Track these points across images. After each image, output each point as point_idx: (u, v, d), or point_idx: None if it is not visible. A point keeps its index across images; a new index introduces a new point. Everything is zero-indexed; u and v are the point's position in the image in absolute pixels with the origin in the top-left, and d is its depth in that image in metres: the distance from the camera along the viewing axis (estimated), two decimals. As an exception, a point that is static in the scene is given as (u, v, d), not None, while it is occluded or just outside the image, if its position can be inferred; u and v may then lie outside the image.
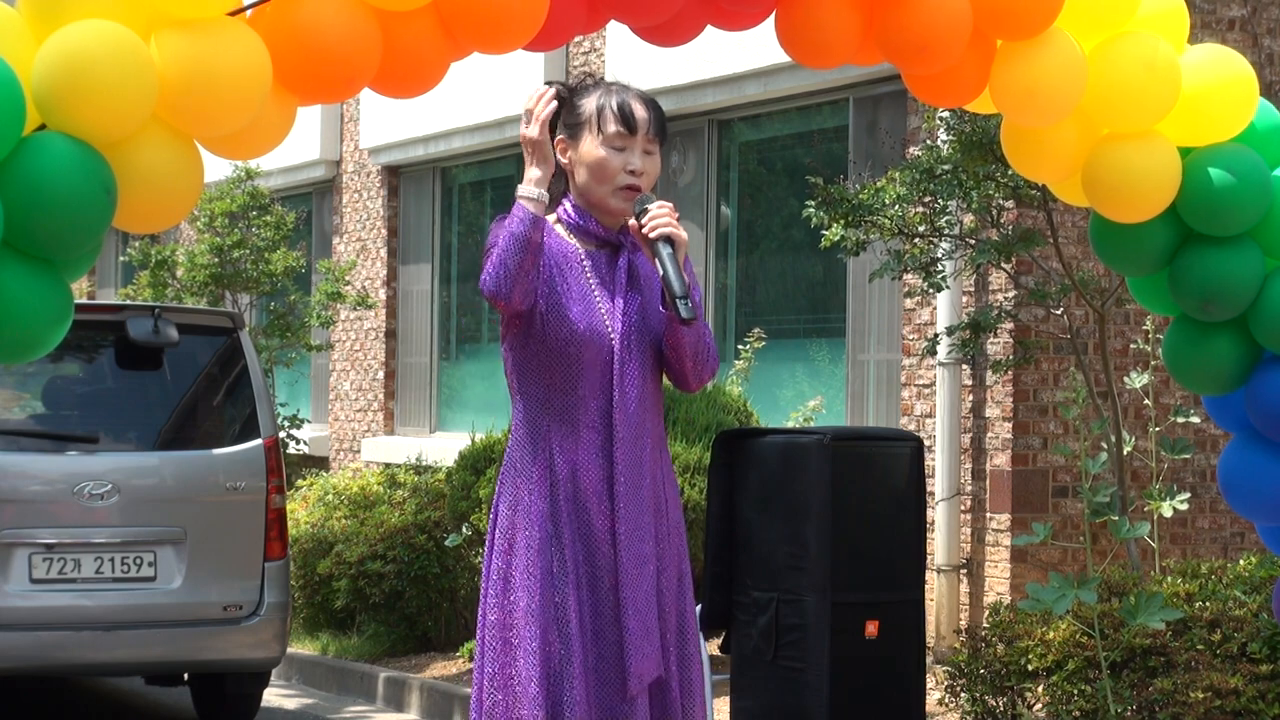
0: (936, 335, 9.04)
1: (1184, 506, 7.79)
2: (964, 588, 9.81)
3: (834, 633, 6.83)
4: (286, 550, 8.85)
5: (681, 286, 4.30)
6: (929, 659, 8.74)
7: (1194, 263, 4.50)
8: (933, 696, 7.94)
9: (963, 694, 7.42)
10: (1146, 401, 8.22)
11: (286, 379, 15.80)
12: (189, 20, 3.71)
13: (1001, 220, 8.58)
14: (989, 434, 9.71)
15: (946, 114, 8.11)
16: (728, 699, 7.34)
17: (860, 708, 6.88)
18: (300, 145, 15.65)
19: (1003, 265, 8.56)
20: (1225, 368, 4.59)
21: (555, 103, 4.37)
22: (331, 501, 11.71)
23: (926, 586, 7.87)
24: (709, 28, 4.36)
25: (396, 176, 15.34)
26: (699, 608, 7.21)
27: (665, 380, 4.56)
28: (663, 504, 4.45)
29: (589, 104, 4.44)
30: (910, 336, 10.19)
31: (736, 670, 7.14)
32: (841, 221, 8.43)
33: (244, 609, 8.59)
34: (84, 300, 13.83)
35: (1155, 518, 7.82)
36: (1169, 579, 7.33)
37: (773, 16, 4.29)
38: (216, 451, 8.75)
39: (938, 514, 9.74)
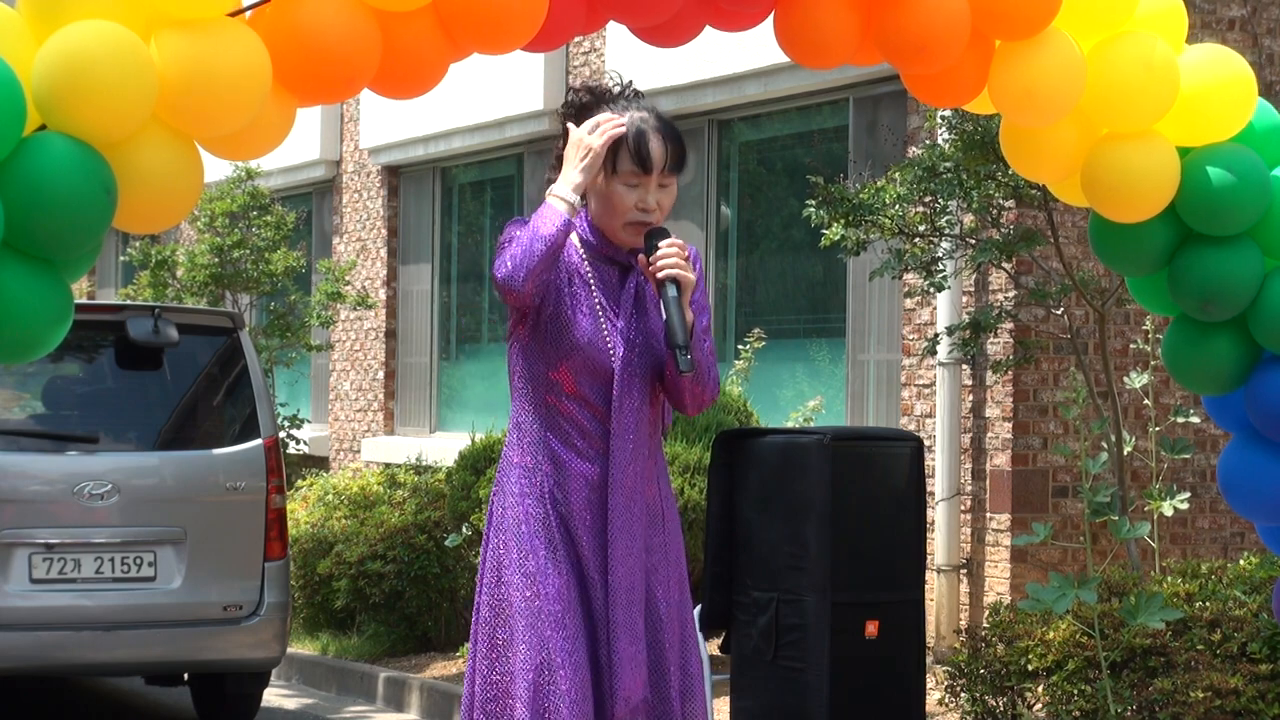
0: (936, 335, 9.04)
1: (1184, 506, 7.79)
2: (964, 588, 9.81)
3: (834, 633, 6.83)
4: (286, 550, 8.85)
5: (683, 336, 4.27)
6: (929, 659, 8.75)
7: (1193, 262, 4.50)
8: (933, 696, 7.94)
9: (963, 694, 7.42)
10: (1146, 401, 8.22)
11: (286, 379, 15.80)
12: (189, 20, 3.71)
13: (1002, 220, 8.58)
14: (989, 434, 9.71)
15: (947, 113, 8.12)
16: (728, 699, 7.35)
17: (860, 708, 6.89)
18: (300, 145, 15.65)
19: (1003, 265, 8.56)
20: (1225, 368, 4.59)
21: (621, 131, 4.34)
22: (331, 501, 11.71)
23: (926, 586, 7.87)
24: (708, 28, 4.36)
25: (396, 176, 15.34)
26: (699, 608, 7.22)
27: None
28: (659, 516, 4.43)
29: (623, 125, 4.39)
30: (910, 336, 10.19)
31: (736, 670, 7.14)
32: (841, 221, 8.43)
33: (244, 609, 8.59)
34: (84, 300, 13.84)
35: (1155, 518, 7.82)
36: (1169, 579, 7.33)
37: (771, 17, 4.29)
38: (216, 451, 8.75)
39: (938, 514, 9.74)
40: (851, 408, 10.73)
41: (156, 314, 8.70)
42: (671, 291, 4.30)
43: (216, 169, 13.29)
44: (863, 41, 4.30)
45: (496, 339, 14.39)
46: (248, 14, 3.81)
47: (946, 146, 8.20)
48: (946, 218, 8.48)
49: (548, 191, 4.35)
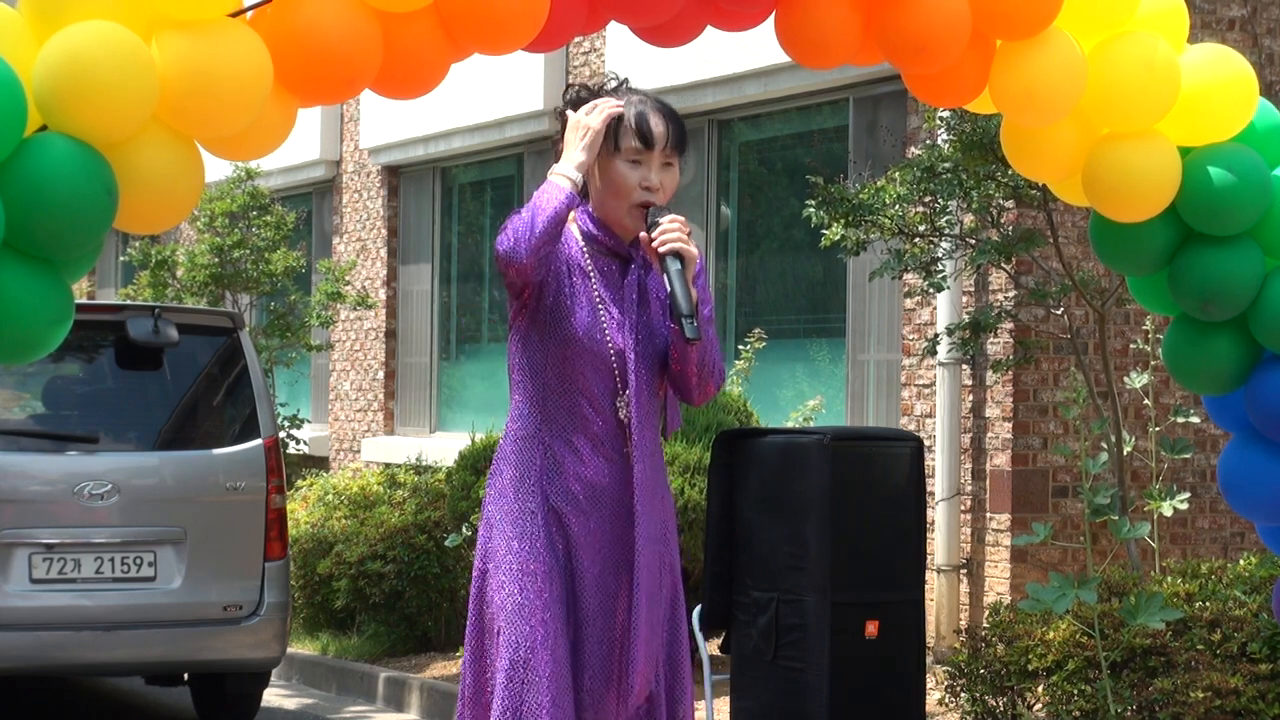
0: (936, 335, 9.04)
1: (1184, 506, 7.79)
2: (964, 588, 9.81)
3: (834, 633, 6.83)
4: (286, 550, 8.85)
5: (688, 305, 4.27)
6: (929, 659, 8.75)
7: (1194, 262, 4.50)
8: (933, 696, 7.94)
9: (963, 694, 7.42)
10: (1146, 401, 8.22)
11: (286, 379, 15.80)
12: (190, 21, 3.71)
13: (1002, 220, 8.59)
14: (989, 434, 9.72)
15: (947, 114, 8.12)
16: (728, 699, 7.35)
17: (860, 708, 6.89)
18: (300, 145, 15.66)
19: (1003, 265, 8.56)
20: (1225, 367, 4.59)
21: (619, 111, 4.36)
22: (331, 501, 11.71)
23: (926, 586, 7.87)
24: (709, 28, 4.36)
25: (396, 176, 15.34)
26: (699, 608, 7.22)
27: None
28: (654, 516, 4.41)
29: (621, 106, 4.41)
30: (910, 336, 10.19)
31: (736, 670, 7.14)
32: (841, 221, 8.43)
33: (244, 609, 8.59)
34: (84, 300, 13.83)
35: (1155, 518, 7.82)
36: (1169, 579, 7.33)
37: (772, 17, 4.29)
38: (216, 451, 8.75)
39: (938, 514, 9.74)
40: (851, 408, 10.73)
41: (156, 314, 8.70)
42: (675, 265, 4.29)
43: (216, 169, 13.29)
44: (863, 41, 4.30)
45: (497, 339, 14.40)
46: (248, 14, 3.81)
47: (946, 147, 8.21)
48: (946, 218, 8.48)
49: (550, 171, 4.34)
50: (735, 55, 10.79)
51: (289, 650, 10.11)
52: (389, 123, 14.69)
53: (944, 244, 8.60)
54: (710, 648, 7.51)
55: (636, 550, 4.34)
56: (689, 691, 4.47)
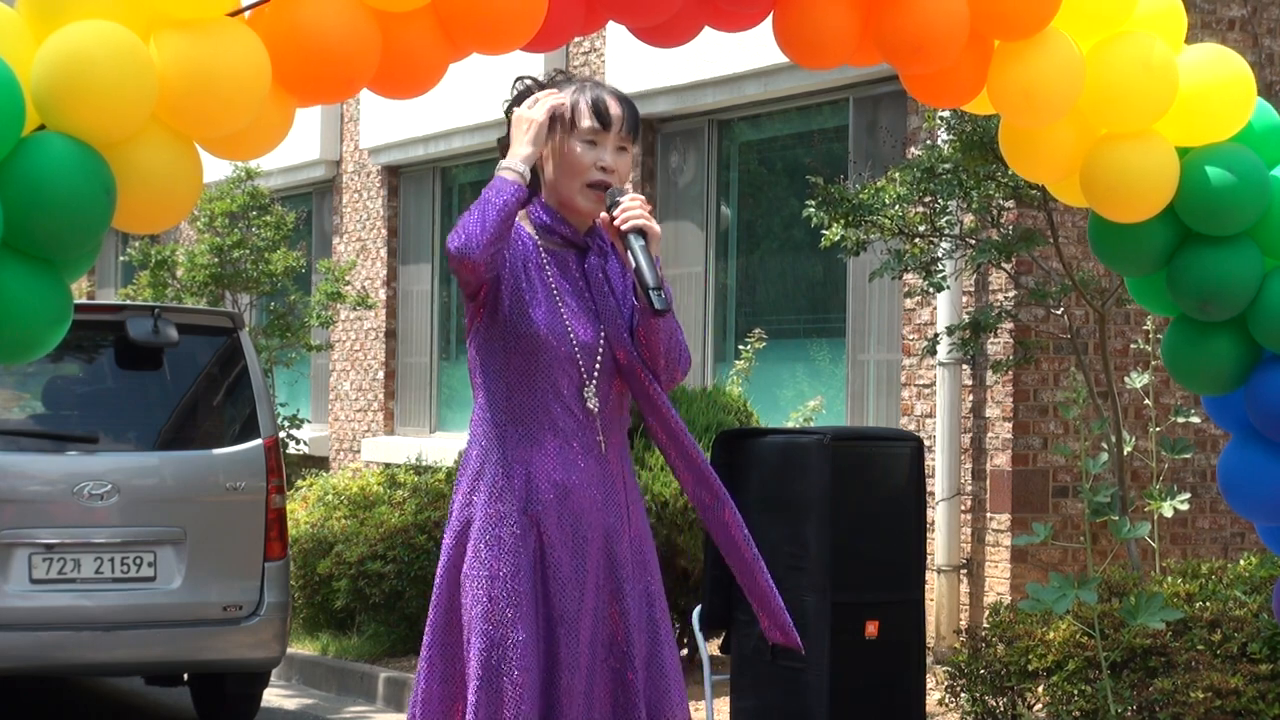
0: (936, 335, 9.04)
1: (1184, 506, 7.79)
2: (964, 588, 9.81)
3: (834, 633, 6.83)
4: (286, 550, 8.85)
5: (654, 277, 4.24)
6: (929, 659, 8.74)
7: (1192, 262, 4.50)
8: (933, 696, 7.94)
9: (963, 694, 7.42)
10: (1146, 401, 8.22)
11: (286, 379, 15.80)
12: (188, 21, 3.71)
13: (1001, 220, 8.59)
14: (989, 434, 9.72)
15: (947, 114, 8.12)
16: (728, 699, 7.35)
17: (860, 708, 6.89)
18: (300, 145, 15.66)
19: (1003, 265, 8.56)
20: (1224, 368, 4.59)
21: (561, 105, 4.34)
22: (331, 501, 11.71)
23: (926, 586, 7.87)
24: (708, 28, 4.36)
25: (396, 176, 15.34)
26: (699, 608, 7.22)
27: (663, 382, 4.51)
28: (625, 511, 4.38)
29: (561, 98, 4.38)
30: (910, 336, 10.19)
31: (736, 670, 7.14)
32: (841, 221, 8.43)
33: (244, 609, 8.59)
34: (84, 300, 13.84)
35: (1155, 518, 7.82)
36: (1169, 579, 7.33)
37: (770, 18, 4.29)
38: (216, 451, 8.75)
39: (938, 514, 9.74)
40: (851, 408, 10.73)
41: (156, 314, 8.70)
42: (639, 240, 4.27)
43: (216, 169, 13.29)
44: (861, 42, 4.30)
45: (496, 339, 14.37)
46: (247, 14, 3.81)
47: (946, 147, 8.21)
48: (946, 218, 8.48)
49: (498, 167, 4.31)
50: (735, 55, 10.79)
51: (289, 650, 10.11)
52: (389, 123, 14.69)
53: (944, 244, 8.60)
54: (710, 648, 7.51)
55: (617, 543, 4.33)
56: (676, 691, 4.42)
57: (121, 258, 15.49)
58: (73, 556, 8.32)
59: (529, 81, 4.45)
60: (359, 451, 15.28)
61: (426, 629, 4.38)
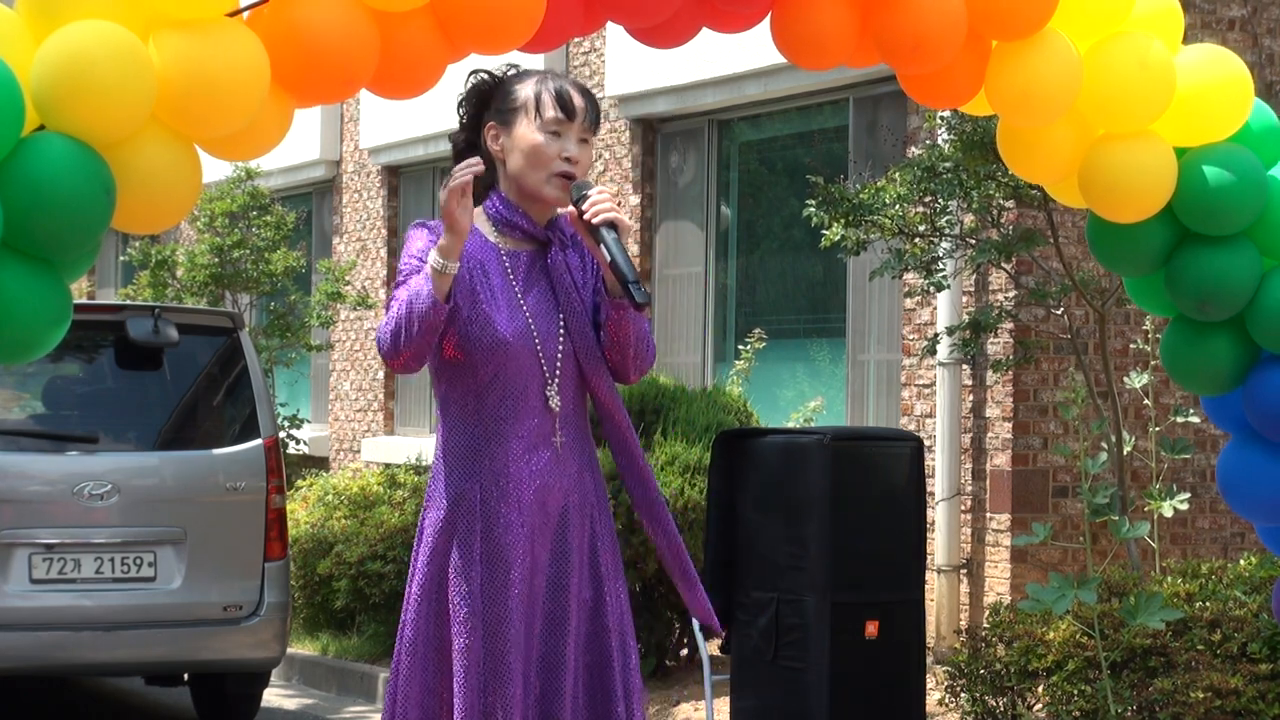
0: (936, 335, 9.04)
1: (1184, 506, 7.79)
2: (964, 588, 9.81)
3: (834, 633, 6.83)
4: (286, 550, 8.85)
5: (632, 271, 4.21)
6: (929, 659, 8.75)
7: (1190, 263, 4.50)
8: (933, 696, 7.94)
9: (963, 694, 7.42)
10: (1146, 401, 8.22)
11: (286, 379, 15.80)
12: (187, 21, 3.71)
13: (1002, 220, 8.59)
14: (989, 434, 9.72)
15: (946, 114, 8.12)
16: (728, 699, 7.35)
17: (860, 708, 6.89)
18: (300, 145, 15.66)
19: (1003, 265, 8.56)
20: (1223, 368, 4.59)
21: (478, 169, 4.19)
22: (331, 501, 11.71)
23: (926, 586, 7.87)
24: (706, 29, 4.36)
25: (396, 176, 15.34)
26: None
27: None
28: (595, 513, 4.35)
29: (524, 90, 4.34)
30: (910, 336, 10.19)
31: (736, 670, 7.14)
32: (841, 221, 8.43)
33: (244, 609, 8.59)
34: (84, 300, 13.84)
35: (1155, 518, 7.82)
36: (1169, 579, 7.33)
37: (768, 18, 4.29)
38: (216, 451, 8.75)
39: (938, 514, 9.74)
40: (851, 408, 10.73)
41: (156, 314, 8.70)
42: (611, 234, 4.22)
43: (216, 169, 13.29)
44: (860, 42, 4.30)
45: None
46: (246, 14, 3.81)
47: (946, 147, 8.21)
48: (946, 218, 8.48)
49: (429, 257, 4.18)
50: (735, 55, 10.79)
51: (289, 650, 10.11)
52: (389, 123, 14.69)
53: (944, 244, 8.60)
54: (710, 648, 7.51)
55: (592, 543, 4.31)
56: (637, 695, 4.39)
57: (121, 258, 15.49)
58: (73, 556, 8.32)
59: (483, 75, 4.40)
60: (359, 451, 15.28)
61: (410, 630, 4.34)
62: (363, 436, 15.37)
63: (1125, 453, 8.17)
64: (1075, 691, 6.94)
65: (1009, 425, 9.59)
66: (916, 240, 8.49)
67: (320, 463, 15.48)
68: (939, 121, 8.33)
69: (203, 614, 8.51)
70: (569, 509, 4.30)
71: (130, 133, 3.68)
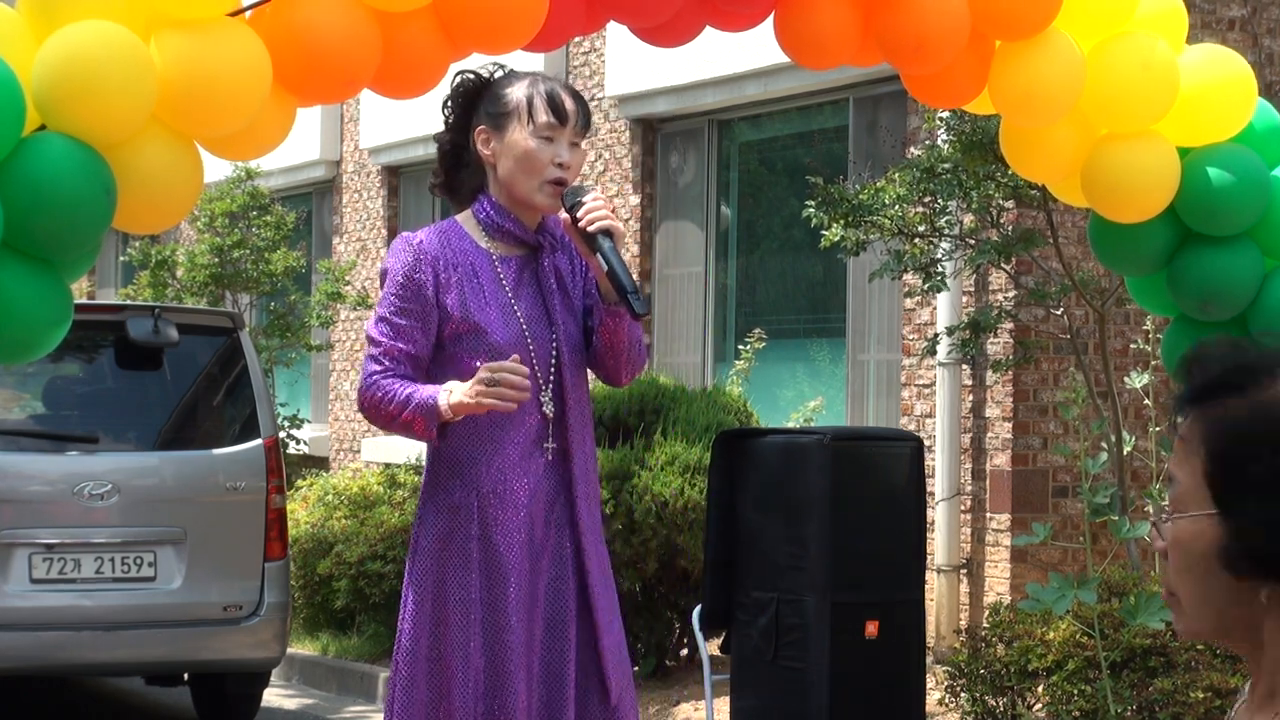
0: (936, 335, 9.04)
1: (1184, 506, 7.77)
2: (964, 588, 9.81)
3: (834, 633, 6.83)
4: (286, 550, 8.85)
5: (630, 281, 4.18)
6: (929, 659, 8.74)
7: (1193, 263, 4.50)
8: (933, 696, 7.94)
9: (963, 694, 7.42)
10: (1146, 401, 8.22)
11: (286, 379, 15.80)
12: (189, 21, 3.71)
13: (1001, 220, 8.59)
14: (989, 434, 9.72)
15: (947, 114, 8.12)
16: (728, 699, 7.35)
17: (860, 708, 6.89)
18: (300, 145, 15.65)
19: (1003, 265, 8.56)
20: (1225, 368, 4.58)
21: (524, 395, 4.13)
22: (331, 501, 11.71)
23: (926, 586, 7.87)
24: (708, 28, 4.36)
25: (396, 176, 15.34)
26: (699, 608, 7.22)
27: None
28: (589, 519, 4.33)
29: (515, 93, 4.29)
30: (910, 336, 10.19)
31: (736, 670, 7.14)
32: (841, 221, 8.43)
33: (244, 609, 8.58)
34: (84, 300, 13.83)
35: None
36: (1169, 579, 7.32)
37: (771, 18, 4.29)
38: (216, 451, 8.75)
39: (938, 514, 9.74)
40: (851, 408, 10.73)
41: (156, 314, 8.69)
42: (607, 242, 4.19)
43: (216, 169, 13.29)
44: (863, 42, 4.31)
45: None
46: (247, 14, 3.81)
47: (946, 147, 8.21)
48: (946, 218, 8.48)
49: (444, 394, 4.16)
50: (735, 55, 10.79)
51: (289, 650, 10.10)
52: (389, 123, 14.69)
53: (944, 244, 8.60)
54: (710, 648, 7.51)
55: (584, 548, 4.30)
56: (630, 690, 4.39)
57: (121, 258, 15.49)
58: (73, 556, 8.32)
59: (470, 76, 4.35)
60: (359, 451, 15.28)
61: (410, 635, 4.34)
62: (363, 436, 15.37)
63: (1125, 453, 8.17)
64: (1075, 691, 6.94)
65: (1009, 425, 9.59)
66: (916, 241, 8.48)
67: (320, 463, 15.48)
68: (938, 122, 8.33)
69: (203, 614, 8.51)
70: (565, 514, 4.29)
71: (131, 133, 3.68)
